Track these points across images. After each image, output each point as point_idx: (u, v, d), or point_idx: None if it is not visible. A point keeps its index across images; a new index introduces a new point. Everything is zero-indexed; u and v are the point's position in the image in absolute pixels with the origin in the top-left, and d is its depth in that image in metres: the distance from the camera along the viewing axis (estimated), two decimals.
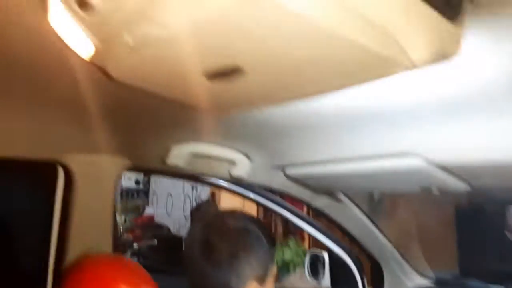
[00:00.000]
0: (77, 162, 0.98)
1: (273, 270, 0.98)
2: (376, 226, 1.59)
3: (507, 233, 1.37)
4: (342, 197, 1.47)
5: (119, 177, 1.05)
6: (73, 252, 1.00)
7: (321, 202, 1.45)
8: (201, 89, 0.44)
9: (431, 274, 1.76)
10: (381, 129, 0.83)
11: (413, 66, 0.34)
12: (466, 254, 3.01)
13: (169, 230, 4.65)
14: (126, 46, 0.35)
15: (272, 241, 0.98)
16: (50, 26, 0.43)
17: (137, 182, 6.14)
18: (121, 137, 0.99)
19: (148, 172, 1.21)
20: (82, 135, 0.95)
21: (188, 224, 4.80)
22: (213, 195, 4.19)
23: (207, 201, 4.25)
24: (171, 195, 5.77)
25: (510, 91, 0.51)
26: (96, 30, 0.34)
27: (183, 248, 1.38)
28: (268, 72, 0.35)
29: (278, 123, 0.87)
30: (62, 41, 0.47)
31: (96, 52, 0.39)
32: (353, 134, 0.89)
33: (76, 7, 0.31)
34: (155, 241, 3.18)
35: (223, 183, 1.42)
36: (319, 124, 0.87)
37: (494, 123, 0.68)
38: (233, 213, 1.02)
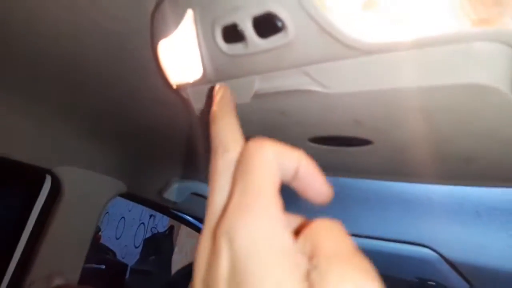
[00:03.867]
0: (69, 174, 0.89)
1: None
2: None
3: None
4: None
5: (109, 201, 0.96)
6: (38, 271, 0.88)
7: None
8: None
9: None
10: (399, 214, 0.81)
11: None
12: None
13: (114, 255, 4.36)
14: (248, 89, 0.31)
15: None
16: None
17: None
18: (124, 160, 0.92)
19: (141, 202, 1.11)
20: (83, 150, 0.87)
21: (137, 253, 4.53)
22: (171, 228, 4.01)
23: (164, 234, 4.05)
24: (124, 218, 5.48)
25: None
26: (228, 64, 0.30)
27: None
28: (401, 151, 0.31)
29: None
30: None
31: (197, 81, 0.34)
32: (366, 211, 0.86)
33: (222, 42, 0.27)
34: (103, 266, 2.96)
35: (189, 218, 1.35)
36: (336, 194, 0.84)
37: None
38: None
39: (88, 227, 0.93)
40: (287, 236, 0.21)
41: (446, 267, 0.87)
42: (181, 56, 0.33)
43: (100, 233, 4.40)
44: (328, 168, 0.46)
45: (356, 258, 0.20)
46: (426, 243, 0.83)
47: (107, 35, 0.41)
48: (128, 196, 1.03)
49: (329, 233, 0.22)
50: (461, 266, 0.85)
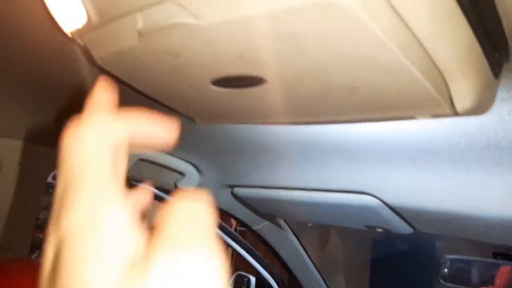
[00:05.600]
0: (4, 148, 0.85)
1: None
2: (308, 255, 1.62)
3: (440, 280, 1.46)
4: (282, 223, 1.46)
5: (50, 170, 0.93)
6: None
7: (261, 226, 1.43)
8: (202, 96, 0.38)
9: None
10: (340, 164, 0.83)
11: (453, 113, 0.33)
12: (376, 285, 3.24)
13: None
14: (132, 29, 0.30)
15: None
16: None
17: (55, 177, 5.67)
18: (57, 129, 0.88)
19: None
20: (18, 120, 0.83)
21: None
22: None
23: None
24: None
25: (492, 151, 0.53)
26: (105, 2, 0.28)
27: None
28: (293, 87, 0.31)
29: (237, 140, 0.84)
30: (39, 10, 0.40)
31: (87, 27, 0.33)
32: (310, 164, 0.88)
33: None
34: None
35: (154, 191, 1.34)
36: (277, 148, 0.85)
37: (455, 175, 0.70)
38: None
39: (32, 198, 0.91)
40: (113, 221, 0.20)
41: (389, 212, 0.91)
42: None
43: None
44: (243, 115, 0.46)
45: (192, 245, 0.19)
46: (367, 191, 0.86)
47: None
48: None
49: (181, 214, 0.21)
50: (402, 210, 0.89)
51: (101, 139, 0.22)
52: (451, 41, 0.27)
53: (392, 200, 0.86)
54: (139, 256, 0.19)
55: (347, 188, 0.90)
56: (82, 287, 0.18)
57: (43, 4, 0.36)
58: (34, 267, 0.90)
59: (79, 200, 0.20)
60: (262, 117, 0.43)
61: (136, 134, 0.24)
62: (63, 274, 0.19)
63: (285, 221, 1.46)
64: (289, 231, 1.49)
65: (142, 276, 0.18)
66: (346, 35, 0.24)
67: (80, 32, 0.35)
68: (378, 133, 0.64)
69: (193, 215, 0.21)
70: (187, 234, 0.20)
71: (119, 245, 0.19)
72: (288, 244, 1.53)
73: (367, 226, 1.08)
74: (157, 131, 0.25)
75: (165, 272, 0.18)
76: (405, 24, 0.24)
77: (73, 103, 0.75)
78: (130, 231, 0.20)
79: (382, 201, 0.87)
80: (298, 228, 1.62)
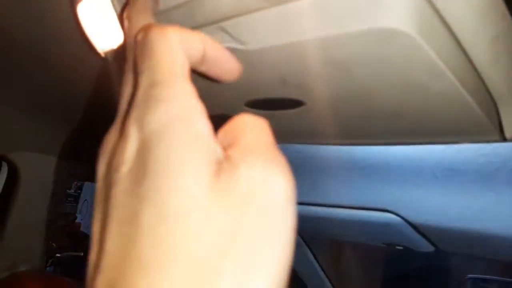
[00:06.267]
0: (26, 160, 0.86)
1: None
2: (324, 270, 1.59)
3: None
4: (297, 238, 1.44)
5: (71, 185, 0.93)
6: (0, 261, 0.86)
7: None
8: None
9: None
10: (361, 181, 0.82)
11: (501, 139, 0.32)
12: None
13: None
14: None
15: None
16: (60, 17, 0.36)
17: (67, 187, 5.71)
18: (84, 143, 0.89)
19: None
20: (40, 134, 0.84)
21: None
22: None
23: None
24: None
25: None
26: None
27: None
28: (333, 111, 0.31)
29: None
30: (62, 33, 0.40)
31: (122, 48, 0.33)
32: (330, 180, 0.87)
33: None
34: (81, 253, 2.94)
35: None
36: (296, 164, 0.84)
37: (482, 195, 0.68)
38: None
39: (50, 213, 0.91)
40: (202, 121, 0.21)
41: (410, 230, 0.89)
42: (100, 19, 0.31)
43: (77, 220, 4.34)
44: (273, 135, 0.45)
45: (271, 153, 0.21)
46: (388, 208, 0.84)
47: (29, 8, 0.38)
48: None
49: (250, 127, 0.22)
50: (424, 228, 0.87)
51: (184, 45, 0.23)
52: (506, 68, 0.26)
53: (414, 218, 0.84)
54: (224, 160, 0.20)
55: (367, 205, 0.88)
56: (174, 179, 0.18)
57: (79, 25, 0.36)
58: (50, 281, 0.90)
59: (170, 96, 0.21)
60: (292, 138, 0.43)
61: (209, 52, 0.25)
62: (153, 168, 0.19)
63: (300, 235, 1.44)
64: (305, 245, 1.48)
65: (231, 176, 0.19)
66: (401, 61, 0.24)
67: (113, 52, 0.34)
68: (403, 151, 0.63)
69: (260, 129, 0.23)
70: (262, 147, 0.21)
71: (210, 142, 0.20)
72: (304, 259, 1.51)
73: (387, 243, 1.06)
74: (227, 57, 0.25)
75: (252, 178, 0.19)
76: (464, 52, 0.24)
77: (97, 119, 0.76)
78: (213, 137, 0.21)
79: (403, 219, 0.86)
80: (313, 243, 1.60)
